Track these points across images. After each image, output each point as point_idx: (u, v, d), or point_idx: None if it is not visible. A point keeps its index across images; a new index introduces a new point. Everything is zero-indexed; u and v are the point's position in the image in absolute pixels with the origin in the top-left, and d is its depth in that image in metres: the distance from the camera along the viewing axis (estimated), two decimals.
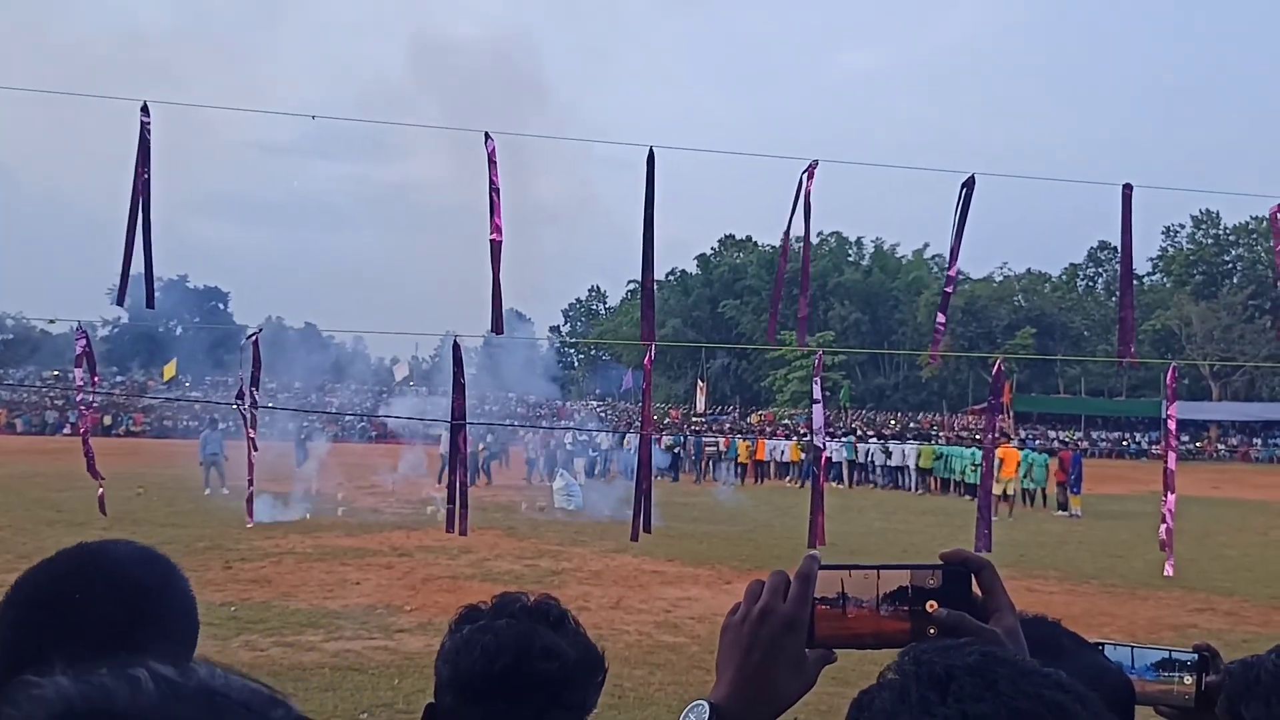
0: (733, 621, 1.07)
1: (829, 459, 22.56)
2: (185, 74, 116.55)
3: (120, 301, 6.88)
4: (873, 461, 34.46)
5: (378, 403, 58.76)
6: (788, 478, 34.33)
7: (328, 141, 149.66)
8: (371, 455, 30.96)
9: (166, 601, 1.30)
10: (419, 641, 9.38)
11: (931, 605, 0.99)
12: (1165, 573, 9.00)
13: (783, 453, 35.16)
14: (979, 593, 1.02)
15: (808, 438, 34.40)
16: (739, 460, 34.49)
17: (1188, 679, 1.70)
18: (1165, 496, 8.20)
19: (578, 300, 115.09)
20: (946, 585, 1.01)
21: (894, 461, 33.72)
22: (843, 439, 35.48)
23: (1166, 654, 1.74)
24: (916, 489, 32.40)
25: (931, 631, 0.98)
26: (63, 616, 1.22)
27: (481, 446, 29.22)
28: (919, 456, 32.76)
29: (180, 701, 0.61)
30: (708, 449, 36.28)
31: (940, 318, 7.91)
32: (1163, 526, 8.30)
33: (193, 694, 0.62)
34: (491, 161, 6.59)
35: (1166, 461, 8.29)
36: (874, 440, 37.11)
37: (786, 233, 7.74)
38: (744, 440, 36.22)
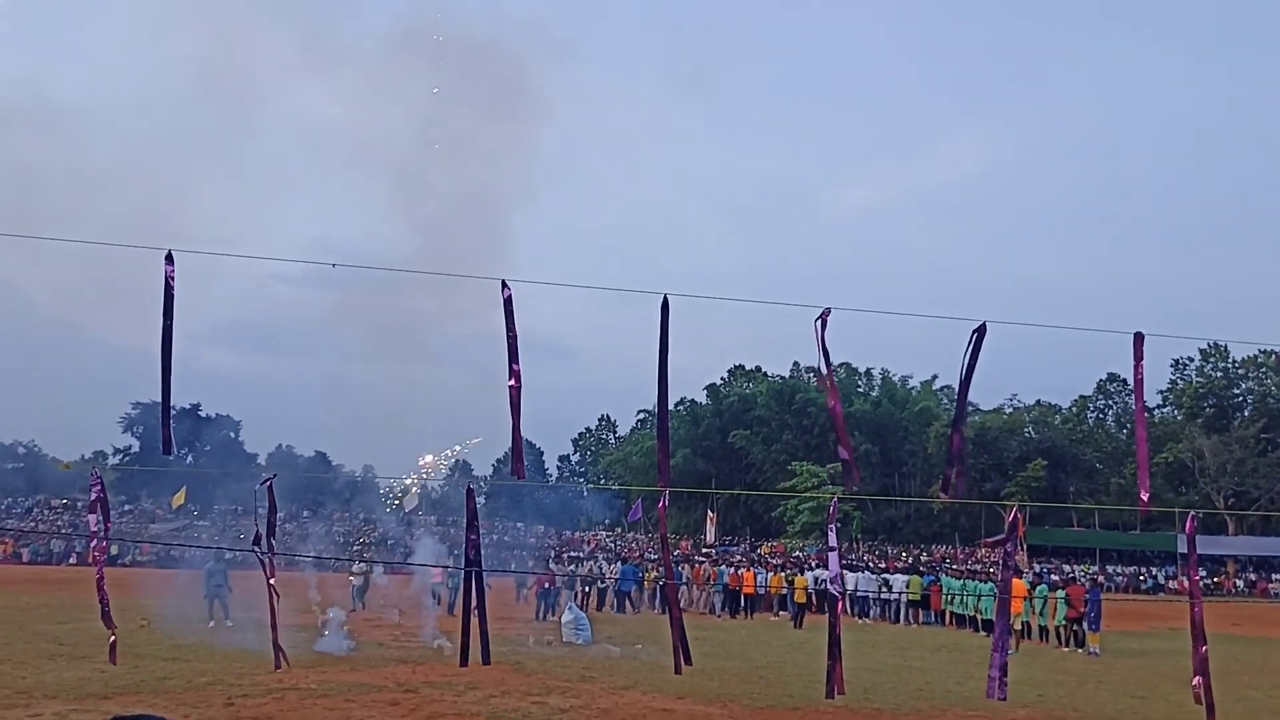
0: None
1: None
2: (192, 209, 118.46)
3: (167, 451, 6.97)
4: (867, 594, 33.95)
5: (386, 533, 58.81)
6: (774, 611, 33.65)
7: (341, 272, 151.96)
8: (379, 589, 30.61)
9: None
10: None
11: None
12: None
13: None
14: None
15: (806, 571, 34.06)
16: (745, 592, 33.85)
17: None
18: (1197, 649, 8.09)
19: (587, 429, 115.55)
20: None
21: (890, 595, 33.48)
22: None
23: None
24: (907, 621, 32.26)
25: None
26: None
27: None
28: (908, 587, 32.83)
29: None
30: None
31: (952, 469, 7.96)
32: (1196, 679, 8.17)
33: None
34: (508, 309, 6.71)
35: (1194, 611, 8.20)
36: (867, 572, 36.93)
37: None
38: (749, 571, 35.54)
